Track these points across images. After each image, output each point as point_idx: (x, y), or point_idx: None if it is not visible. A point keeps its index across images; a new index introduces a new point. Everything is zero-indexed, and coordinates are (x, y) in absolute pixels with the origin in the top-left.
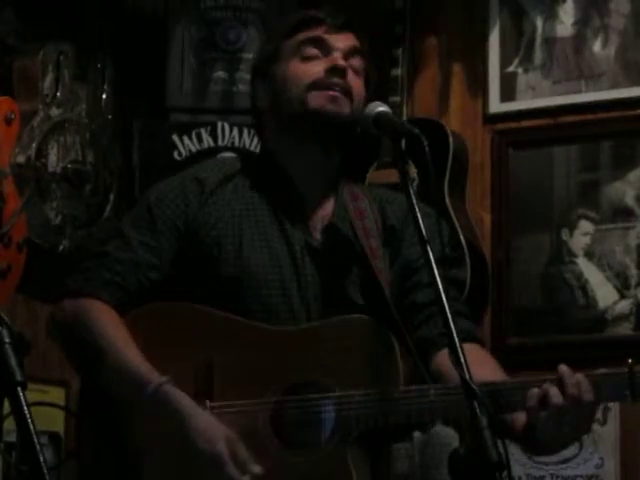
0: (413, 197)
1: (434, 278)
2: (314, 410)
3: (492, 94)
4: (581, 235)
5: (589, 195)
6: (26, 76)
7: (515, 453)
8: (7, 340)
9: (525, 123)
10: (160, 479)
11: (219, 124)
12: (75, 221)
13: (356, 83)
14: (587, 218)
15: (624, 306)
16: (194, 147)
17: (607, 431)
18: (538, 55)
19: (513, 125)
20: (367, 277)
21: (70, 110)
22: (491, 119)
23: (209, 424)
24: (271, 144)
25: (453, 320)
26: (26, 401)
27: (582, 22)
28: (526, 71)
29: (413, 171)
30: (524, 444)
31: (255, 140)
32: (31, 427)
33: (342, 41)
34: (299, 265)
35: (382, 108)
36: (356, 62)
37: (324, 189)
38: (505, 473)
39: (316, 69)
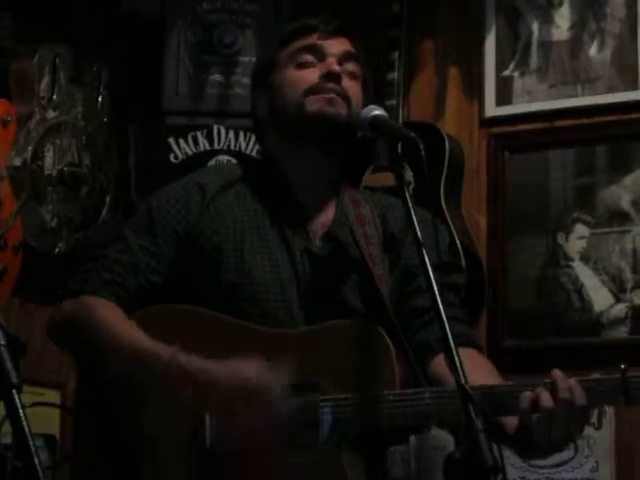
0: (409, 201)
1: (430, 282)
2: (311, 412)
3: (488, 98)
4: (577, 239)
5: (585, 199)
6: (22, 79)
7: (510, 457)
8: (2, 342)
9: (521, 127)
10: (175, 464)
11: (215, 127)
12: (71, 224)
13: (352, 87)
14: (583, 222)
15: (620, 310)
16: (190, 150)
17: (602, 435)
18: (534, 59)
19: (509, 129)
20: (366, 283)
21: (66, 113)
22: (487, 123)
23: (227, 365)
24: (271, 151)
25: (450, 325)
26: (21, 403)
27: (578, 26)
28: (522, 75)
29: (409, 175)
30: (516, 447)
31: (251, 143)
32: (26, 429)
33: (336, 46)
34: (299, 271)
35: (378, 112)
36: (351, 66)
37: (324, 195)
38: (500, 477)
39: (312, 75)
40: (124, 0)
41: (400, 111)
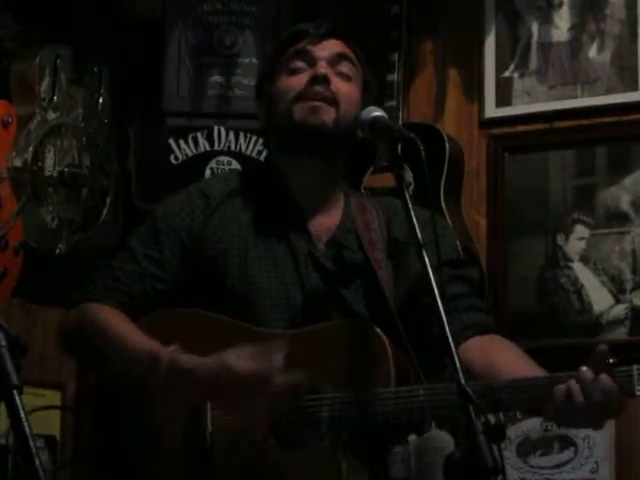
0: (409, 202)
1: (429, 282)
2: (308, 410)
3: (488, 99)
4: (576, 240)
5: (584, 200)
6: (23, 80)
7: (510, 457)
8: (3, 343)
9: (521, 128)
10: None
11: (215, 128)
12: (71, 225)
13: (344, 88)
14: (582, 223)
15: (619, 311)
16: (190, 151)
17: (602, 436)
18: (534, 60)
19: (509, 130)
20: (371, 287)
21: (67, 114)
22: (487, 124)
23: (221, 358)
24: (274, 158)
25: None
26: (22, 404)
27: (578, 27)
28: (522, 76)
29: (409, 176)
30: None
31: (252, 144)
32: (27, 430)
33: (327, 49)
34: (303, 275)
35: (378, 113)
36: (344, 67)
37: (327, 200)
38: (500, 477)
39: (300, 81)
40: (125, 1)
41: (400, 112)
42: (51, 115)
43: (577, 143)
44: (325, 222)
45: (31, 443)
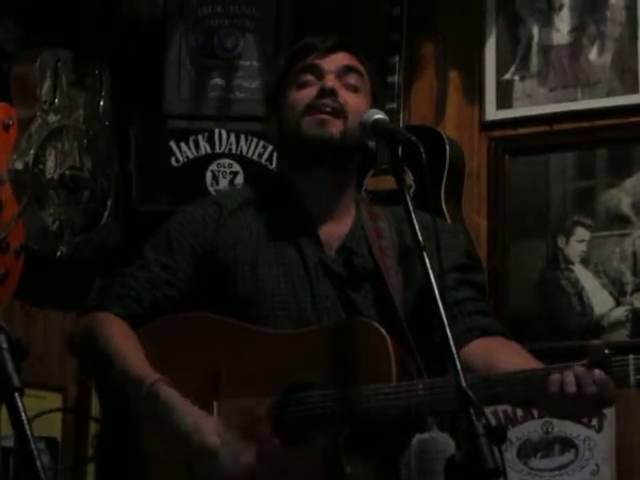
0: (410, 204)
1: (430, 284)
2: (310, 408)
3: (488, 101)
4: (577, 242)
5: (585, 202)
6: (24, 82)
7: (511, 460)
8: (4, 346)
9: (521, 130)
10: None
11: (216, 131)
12: (72, 227)
13: (351, 100)
14: (583, 225)
15: (620, 313)
16: (191, 153)
17: (603, 438)
18: (534, 63)
19: (509, 132)
20: (380, 293)
21: (68, 116)
22: (487, 126)
23: (200, 418)
24: (284, 169)
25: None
26: (23, 407)
27: (578, 30)
28: (522, 78)
29: (410, 178)
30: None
31: (252, 146)
32: (28, 433)
33: (334, 62)
34: (313, 282)
35: (379, 115)
36: (352, 79)
37: (338, 207)
38: None
39: (309, 94)
40: (126, 4)
41: (400, 114)
42: (52, 118)
43: (578, 145)
44: (336, 229)
45: (32, 445)
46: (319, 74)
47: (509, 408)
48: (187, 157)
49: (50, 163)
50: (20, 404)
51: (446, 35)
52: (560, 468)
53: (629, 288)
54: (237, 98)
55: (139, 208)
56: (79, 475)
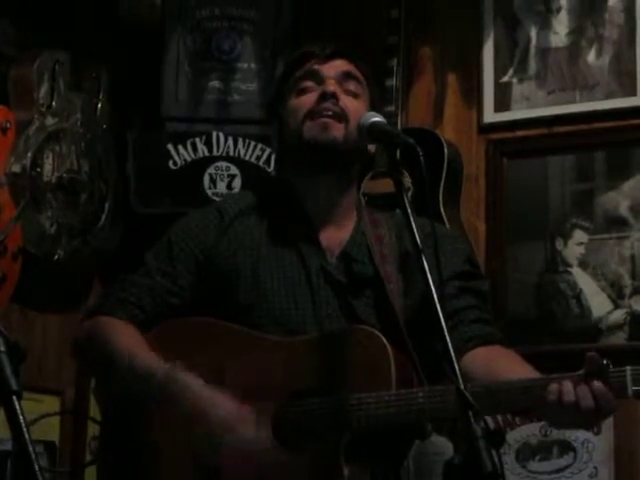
0: (408, 207)
1: (429, 288)
2: (310, 415)
3: (487, 104)
4: (575, 245)
5: (583, 205)
6: (21, 85)
7: (509, 463)
8: (2, 349)
9: (520, 133)
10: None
11: (214, 133)
12: (70, 230)
13: (351, 105)
14: (581, 228)
15: (618, 316)
16: (189, 156)
17: (601, 440)
18: (532, 65)
19: (508, 135)
20: (381, 299)
21: (65, 119)
22: (486, 129)
23: (217, 395)
24: (286, 175)
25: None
26: (21, 410)
27: (576, 32)
28: (520, 81)
29: (408, 181)
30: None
31: (250, 149)
32: (27, 436)
33: (334, 68)
34: (314, 288)
35: (377, 118)
36: (351, 85)
37: (340, 214)
38: None
39: (309, 100)
40: (124, 7)
41: (399, 117)
42: (50, 121)
43: (576, 148)
44: (337, 236)
45: (30, 449)
46: (319, 80)
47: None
48: (185, 160)
49: (48, 166)
50: (18, 407)
51: (444, 38)
52: (558, 471)
53: (627, 291)
54: (235, 101)
55: (137, 211)
56: (77, 478)
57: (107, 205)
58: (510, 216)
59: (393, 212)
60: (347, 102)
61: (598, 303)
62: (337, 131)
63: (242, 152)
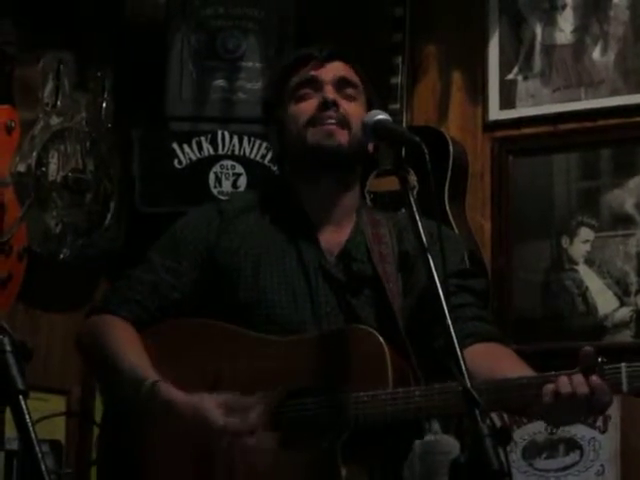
0: (413, 205)
1: (435, 285)
2: (308, 414)
3: (492, 101)
4: (581, 242)
5: (589, 203)
6: (26, 85)
7: (515, 460)
8: (8, 348)
9: (525, 130)
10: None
11: (219, 132)
12: (75, 229)
13: (352, 109)
14: (587, 225)
15: (624, 313)
16: (194, 155)
17: (608, 438)
18: (537, 62)
19: (513, 132)
20: (379, 298)
21: (70, 119)
22: (491, 127)
23: (197, 401)
24: (288, 178)
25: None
26: (28, 409)
27: (581, 29)
28: (526, 78)
29: (413, 179)
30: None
31: (255, 148)
32: (33, 435)
33: (331, 72)
34: (313, 288)
35: (382, 116)
36: (350, 90)
37: (340, 214)
38: None
39: (310, 107)
40: (128, 6)
41: (403, 115)
42: (54, 120)
43: (581, 145)
44: (336, 235)
45: (37, 448)
46: (317, 86)
47: None
48: (190, 159)
49: (53, 165)
50: (24, 407)
51: (449, 35)
52: (565, 469)
53: (633, 288)
54: (240, 99)
55: (142, 210)
56: (83, 478)
57: (112, 204)
58: (515, 214)
59: (394, 213)
60: (347, 107)
61: (604, 301)
62: (342, 137)
63: (247, 151)
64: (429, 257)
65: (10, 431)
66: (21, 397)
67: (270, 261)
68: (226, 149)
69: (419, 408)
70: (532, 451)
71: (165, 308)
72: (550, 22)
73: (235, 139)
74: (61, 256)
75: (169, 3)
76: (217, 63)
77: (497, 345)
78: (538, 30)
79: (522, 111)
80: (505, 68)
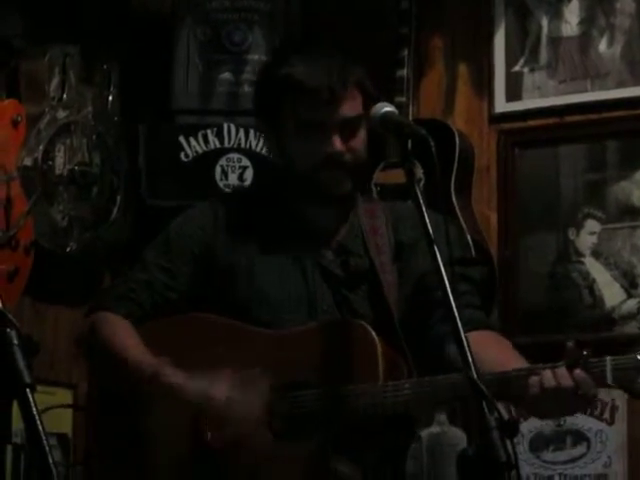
0: (420, 197)
1: (441, 277)
2: (302, 407)
3: (498, 94)
4: (588, 234)
5: (595, 194)
6: (32, 79)
7: (523, 453)
8: (15, 342)
9: (531, 123)
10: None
11: (225, 125)
12: (82, 223)
13: (356, 144)
14: (594, 217)
15: (631, 305)
16: (200, 148)
17: (615, 430)
18: (543, 55)
19: (519, 125)
20: (375, 291)
21: (76, 112)
22: (497, 119)
23: (204, 379)
24: (284, 176)
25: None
26: (35, 403)
27: (587, 22)
28: (532, 71)
29: (419, 171)
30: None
31: (261, 141)
32: (40, 428)
33: (338, 115)
34: (310, 284)
35: (388, 109)
36: (354, 126)
37: (338, 209)
38: (513, 473)
39: (317, 151)
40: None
41: (410, 108)
42: (61, 114)
43: (588, 137)
44: (333, 230)
45: (44, 441)
46: (324, 130)
47: None
48: (196, 152)
49: (59, 159)
50: (32, 400)
51: (455, 28)
52: (572, 461)
53: None
54: (246, 92)
55: (148, 203)
56: (90, 470)
57: (118, 198)
58: (522, 206)
59: (391, 202)
60: (352, 145)
61: (611, 293)
62: (348, 180)
63: (253, 144)
64: (436, 249)
65: (17, 425)
66: (28, 390)
67: (266, 259)
68: (232, 142)
69: (408, 401)
70: (539, 443)
71: (159, 306)
72: (556, 14)
73: (241, 132)
74: (68, 250)
75: None
76: (223, 56)
77: (491, 333)
78: (544, 22)
79: (528, 103)
80: (511, 60)
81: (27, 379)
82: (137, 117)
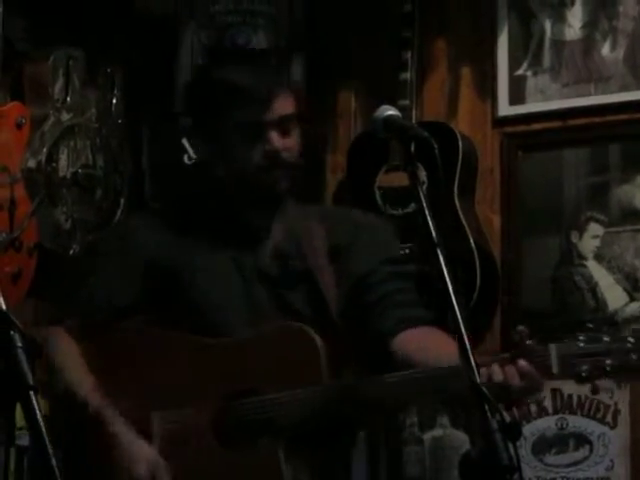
0: (423, 200)
1: (443, 278)
2: (249, 414)
3: (501, 97)
4: (591, 238)
5: (598, 198)
6: (36, 81)
7: (526, 456)
8: (19, 344)
9: (534, 126)
10: None
11: None
12: (86, 225)
13: (290, 143)
14: (597, 221)
15: (634, 308)
16: None
17: (617, 434)
18: (547, 58)
19: (522, 128)
20: (314, 291)
21: (80, 115)
22: (500, 122)
23: (134, 445)
24: (220, 182)
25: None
26: (38, 405)
27: (590, 25)
28: (535, 74)
29: (422, 174)
30: None
31: None
32: (43, 431)
33: (273, 113)
34: (249, 290)
35: (391, 112)
36: (289, 123)
37: (274, 215)
38: (516, 476)
39: (256, 151)
40: (137, 2)
41: (413, 111)
42: (65, 116)
43: (591, 141)
44: (270, 235)
45: (47, 443)
46: (259, 128)
47: None
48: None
49: (63, 161)
50: (35, 403)
51: (458, 31)
52: (575, 464)
53: None
54: None
55: (152, 205)
56: None
57: (122, 200)
58: (525, 209)
59: (322, 206)
60: (287, 144)
61: (614, 296)
62: (286, 179)
63: None
64: (439, 253)
65: (20, 427)
66: (32, 393)
67: (206, 265)
68: None
69: (350, 401)
70: (542, 446)
71: (111, 313)
72: (559, 18)
73: None
74: (71, 252)
75: None
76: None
77: (430, 328)
78: (547, 26)
79: (531, 106)
80: (514, 64)
81: (30, 381)
82: (141, 119)
